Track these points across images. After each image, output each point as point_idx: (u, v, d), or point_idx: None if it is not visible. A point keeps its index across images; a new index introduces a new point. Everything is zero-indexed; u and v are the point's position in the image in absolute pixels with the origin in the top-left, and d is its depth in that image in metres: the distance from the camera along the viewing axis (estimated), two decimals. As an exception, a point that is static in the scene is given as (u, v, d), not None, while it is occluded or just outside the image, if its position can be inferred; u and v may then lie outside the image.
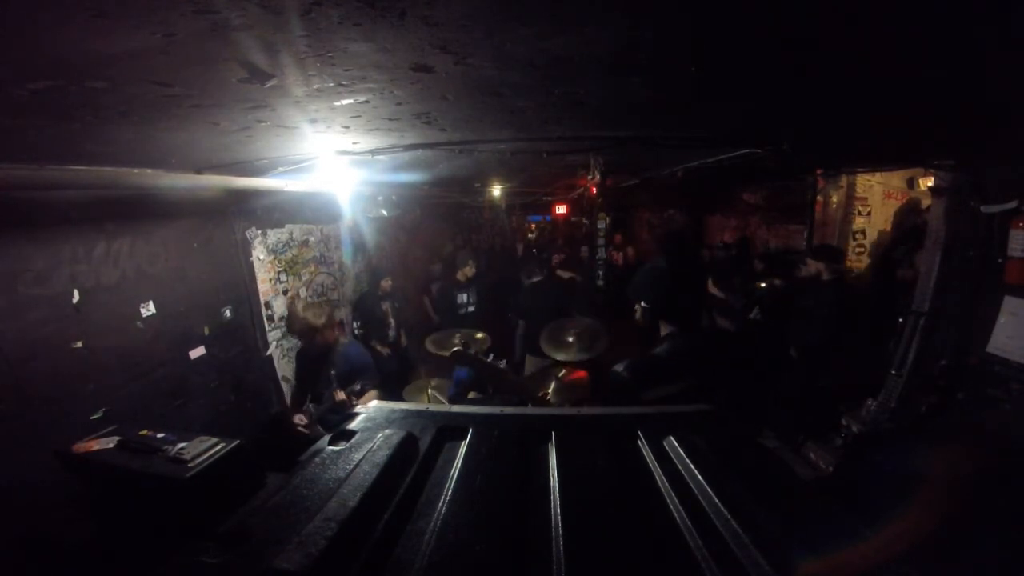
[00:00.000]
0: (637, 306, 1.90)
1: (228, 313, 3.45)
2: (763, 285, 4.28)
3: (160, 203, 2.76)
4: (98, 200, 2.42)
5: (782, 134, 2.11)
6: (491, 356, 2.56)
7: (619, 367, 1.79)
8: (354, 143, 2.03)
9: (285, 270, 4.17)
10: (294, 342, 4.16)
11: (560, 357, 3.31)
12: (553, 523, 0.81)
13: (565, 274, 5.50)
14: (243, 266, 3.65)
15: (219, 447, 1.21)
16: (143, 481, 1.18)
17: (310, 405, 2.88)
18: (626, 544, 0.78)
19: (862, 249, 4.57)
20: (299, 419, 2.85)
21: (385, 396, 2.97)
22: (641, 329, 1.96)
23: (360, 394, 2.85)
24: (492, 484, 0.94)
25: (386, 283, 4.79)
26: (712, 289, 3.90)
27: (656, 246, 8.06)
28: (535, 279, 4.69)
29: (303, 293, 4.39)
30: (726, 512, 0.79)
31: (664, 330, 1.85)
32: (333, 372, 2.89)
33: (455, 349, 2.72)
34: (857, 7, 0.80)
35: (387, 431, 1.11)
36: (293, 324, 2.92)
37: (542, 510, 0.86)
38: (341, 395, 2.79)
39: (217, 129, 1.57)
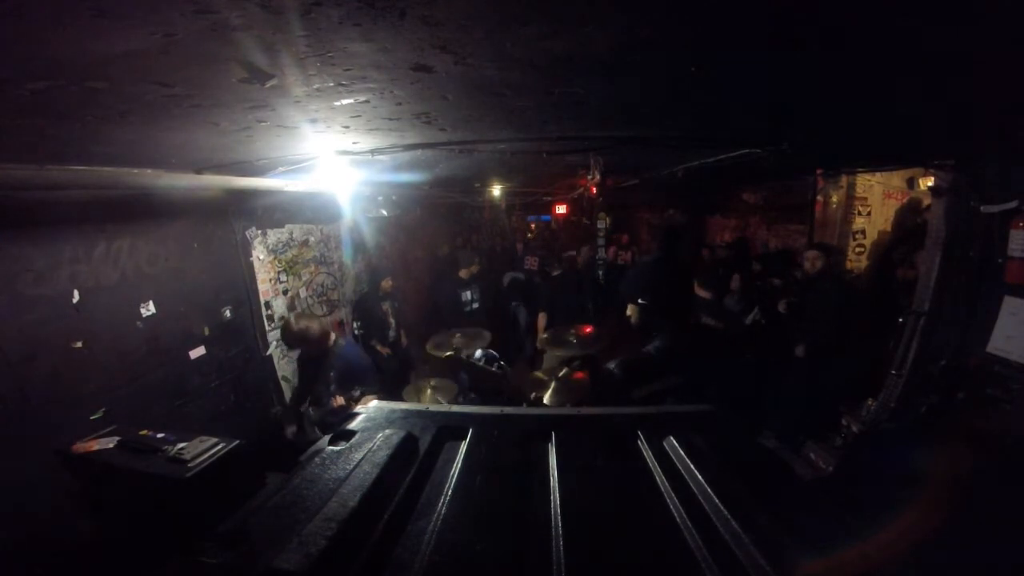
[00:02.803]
0: (631, 305, 1.88)
1: (228, 313, 3.45)
2: (762, 284, 4.28)
3: (160, 203, 2.76)
4: (98, 200, 2.41)
5: (782, 134, 2.11)
6: (484, 359, 2.56)
7: (611, 365, 1.78)
8: (354, 143, 2.03)
9: (285, 270, 4.16)
10: (294, 342, 4.16)
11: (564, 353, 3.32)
12: (553, 523, 0.81)
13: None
14: (243, 266, 3.65)
15: (219, 447, 1.21)
16: (143, 481, 1.18)
17: (309, 409, 2.87)
18: (626, 544, 0.78)
19: (862, 249, 4.56)
20: (290, 431, 2.84)
21: (385, 396, 2.97)
22: (639, 326, 1.95)
23: (359, 400, 2.84)
24: (492, 484, 0.94)
25: (387, 283, 4.80)
26: (698, 291, 3.90)
27: (654, 243, 8.03)
28: (555, 273, 4.71)
29: (303, 293, 4.38)
30: (726, 512, 0.79)
31: (656, 328, 1.83)
32: (332, 374, 2.87)
33: (448, 354, 2.72)
34: (857, 10, 0.80)
35: (387, 431, 1.11)
36: (288, 337, 2.88)
37: (542, 510, 0.86)
38: (340, 400, 2.78)
39: (217, 129, 1.57)
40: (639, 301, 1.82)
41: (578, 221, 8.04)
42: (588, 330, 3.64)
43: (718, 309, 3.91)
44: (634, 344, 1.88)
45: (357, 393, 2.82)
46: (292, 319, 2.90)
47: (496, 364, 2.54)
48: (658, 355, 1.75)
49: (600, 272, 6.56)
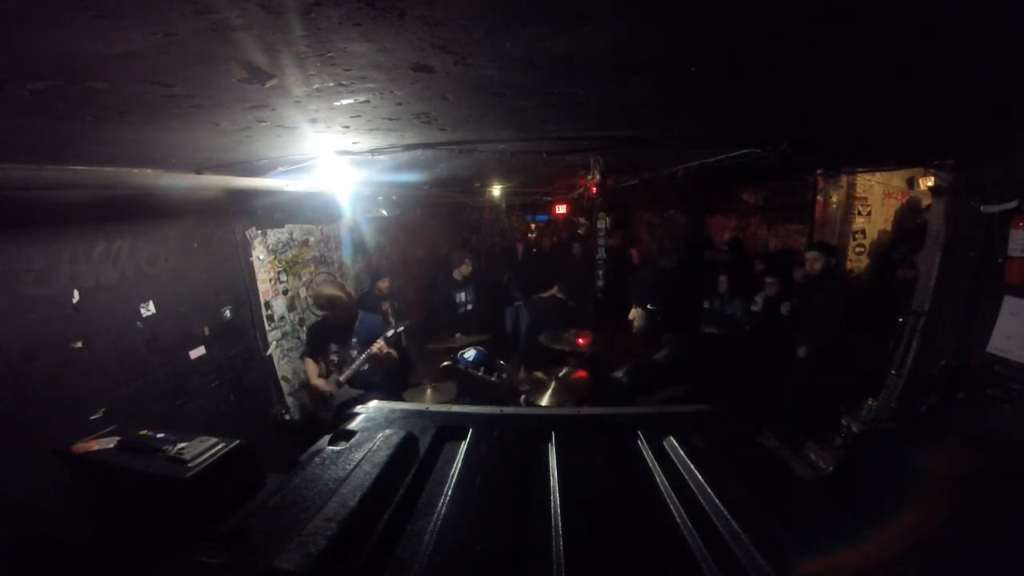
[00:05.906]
0: (636, 311, 1.86)
1: (228, 313, 3.45)
2: (764, 290, 4.26)
3: (160, 203, 2.76)
4: (98, 200, 2.41)
5: (782, 134, 2.11)
6: (482, 369, 2.57)
7: (618, 373, 1.77)
8: (354, 143, 2.03)
9: (285, 270, 4.17)
10: (294, 342, 4.16)
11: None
12: (553, 523, 0.81)
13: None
14: (243, 266, 3.65)
15: (219, 447, 1.21)
16: (143, 481, 1.18)
17: (334, 376, 3.08)
18: (626, 544, 0.78)
19: (862, 249, 4.56)
20: (325, 386, 3.07)
21: (385, 396, 2.98)
22: (641, 332, 1.92)
23: (390, 341, 3.13)
24: (492, 484, 0.93)
25: (383, 284, 4.76)
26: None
27: (661, 247, 8.00)
28: (544, 295, 4.67)
29: (303, 293, 4.39)
30: (726, 512, 0.79)
31: (663, 336, 1.82)
32: (355, 339, 3.13)
33: (444, 364, 2.76)
34: (857, 10, 0.80)
35: (387, 431, 1.11)
36: (320, 299, 3.19)
37: (542, 510, 0.86)
38: (379, 344, 3.02)
39: (217, 129, 1.57)
40: (648, 307, 1.80)
41: (576, 221, 8.02)
42: (582, 342, 3.61)
43: (719, 316, 3.90)
44: (642, 352, 1.87)
45: (390, 333, 3.19)
46: (321, 288, 3.28)
47: (496, 375, 2.54)
48: (667, 363, 1.74)
49: (600, 273, 6.53)
